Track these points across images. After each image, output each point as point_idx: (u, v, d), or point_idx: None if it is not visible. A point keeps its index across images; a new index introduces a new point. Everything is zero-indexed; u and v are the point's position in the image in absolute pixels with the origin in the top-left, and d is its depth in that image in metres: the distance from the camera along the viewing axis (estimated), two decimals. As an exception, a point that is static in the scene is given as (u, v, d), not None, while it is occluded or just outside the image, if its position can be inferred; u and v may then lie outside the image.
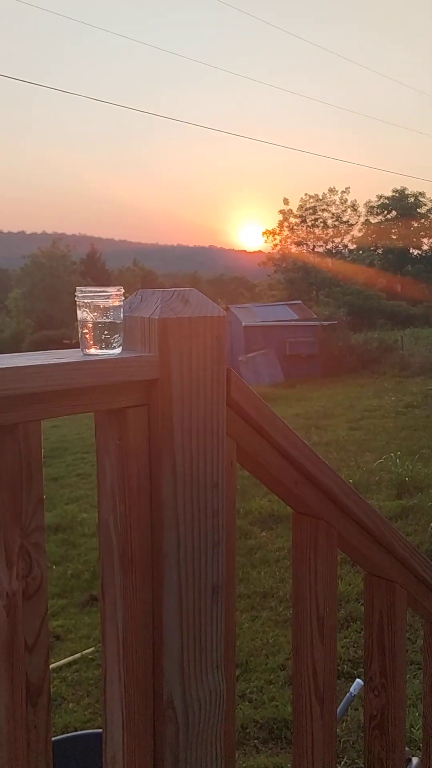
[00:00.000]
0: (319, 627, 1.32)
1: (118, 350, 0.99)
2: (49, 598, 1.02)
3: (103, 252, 68.83)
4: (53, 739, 1.11)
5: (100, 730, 1.53)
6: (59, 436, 11.95)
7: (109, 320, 0.98)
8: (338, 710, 2.66)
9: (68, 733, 2.88)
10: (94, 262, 60.74)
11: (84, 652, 4.14)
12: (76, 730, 3.40)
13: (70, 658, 4.07)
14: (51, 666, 1.01)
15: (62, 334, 39.75)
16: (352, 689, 2.68)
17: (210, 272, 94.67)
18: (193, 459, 1.03)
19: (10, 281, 60.04)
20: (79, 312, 0.98)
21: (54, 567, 5.58)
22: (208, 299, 1.04)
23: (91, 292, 0.98)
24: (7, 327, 47.84)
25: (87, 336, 0.98)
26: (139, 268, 72.47)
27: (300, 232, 45.69)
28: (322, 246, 45.81)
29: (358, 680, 2.72)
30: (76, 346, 1.04)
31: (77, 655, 4.10)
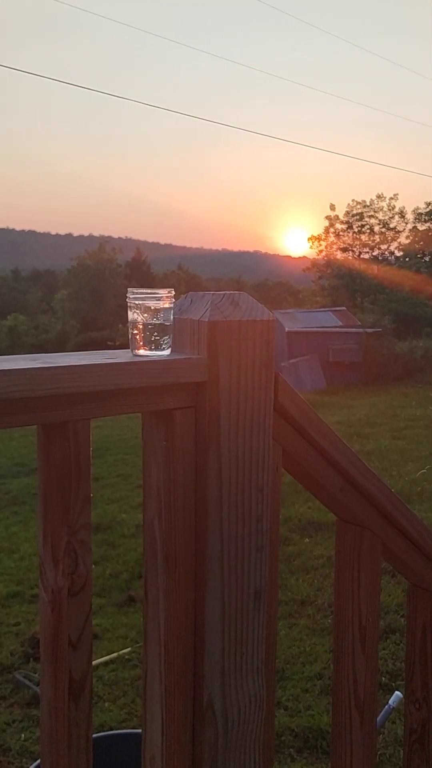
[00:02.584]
0: (361, 637, 1.30)
1: (167, 352, 1.00)
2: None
3: (148, 255, 69.48)
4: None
5: (136, 730, 1.53)
6: (101, 437, 12.05)
7: (159, 322, 0.98)
8: (377, 722, 2.62)
9: (104, 731, 2.90)
10: (140, 266, 61.31)
11: (121, 652, 4.16)
12: (111, 729, 3.42)
13: (107, 658, 4.09)
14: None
15: (106, 335, 40.12)
16: (390, 701, 2.63)
17: (254, 277, 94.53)
18: (239, 462, 1.02)
19: (56, 283, 61.02)
20: (129, 313, 0.99)
21: (93, 566, 5.63)
22: (257, 302, 1.04)
23: (142, 293, 0.99)
24: (52, 328, 48.52)
25: (137, 337, 0.99)
26: (184, 271, 72.76)
27: (346, 238, 45.24)
28: (368, 252, 45.29)
29: (397, 692, 2.67)
30: (120, 347, 1.05)
31: (114, 655, 4.13)
